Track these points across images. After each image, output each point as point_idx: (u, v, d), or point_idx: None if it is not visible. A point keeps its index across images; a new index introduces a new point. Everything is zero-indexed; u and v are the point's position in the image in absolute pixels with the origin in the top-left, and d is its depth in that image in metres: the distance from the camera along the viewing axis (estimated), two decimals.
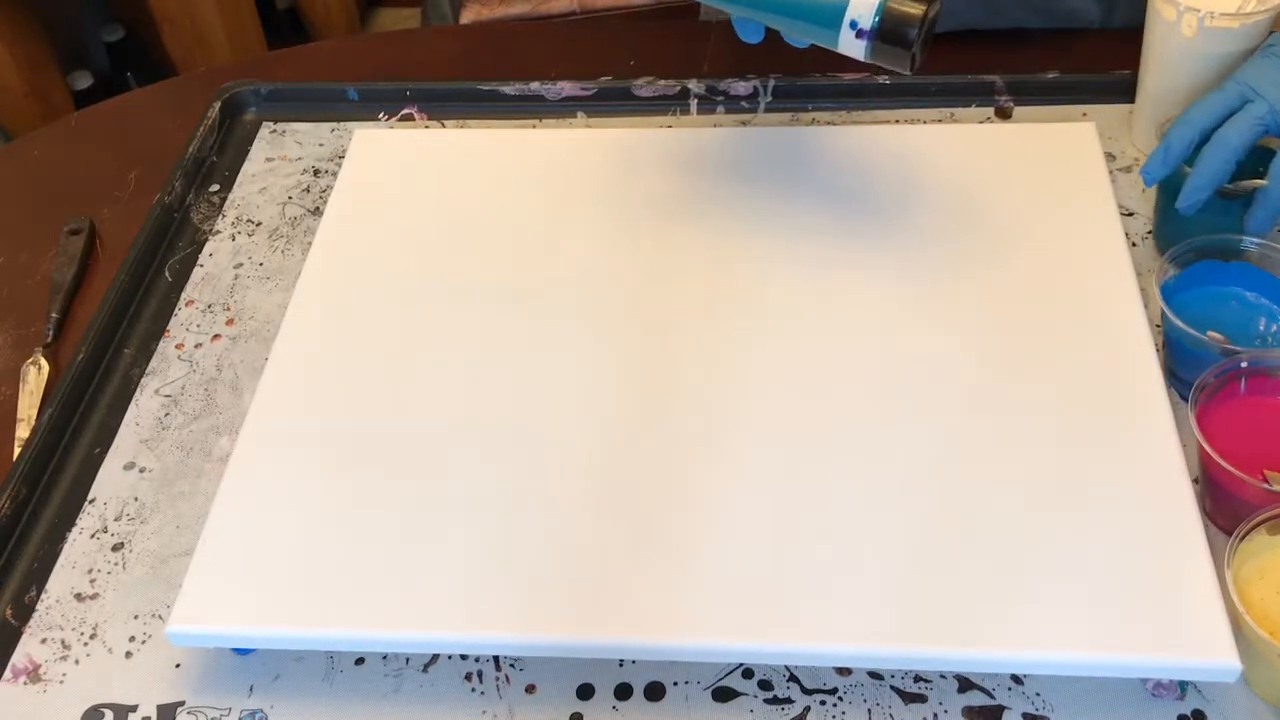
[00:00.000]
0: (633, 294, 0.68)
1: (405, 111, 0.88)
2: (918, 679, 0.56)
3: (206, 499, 0.64)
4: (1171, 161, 0.66)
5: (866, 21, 0.58)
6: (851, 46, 0.60)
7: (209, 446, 0.68)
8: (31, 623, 0.61)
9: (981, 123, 0.82)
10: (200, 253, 0.80)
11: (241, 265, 0.78)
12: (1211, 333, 0.61)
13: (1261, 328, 0.64)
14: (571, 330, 0.67)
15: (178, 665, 0.59)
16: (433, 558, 0.57)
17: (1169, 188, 0.68)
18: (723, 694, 0.56)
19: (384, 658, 0.58)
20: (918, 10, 0.58)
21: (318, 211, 0.81)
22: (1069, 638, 0.52)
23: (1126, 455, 0.58)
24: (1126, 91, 0.80)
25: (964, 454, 0.59)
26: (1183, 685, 0.54)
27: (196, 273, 0.78)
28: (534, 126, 0.85)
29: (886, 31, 0.58)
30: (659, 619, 0.54)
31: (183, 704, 0.57)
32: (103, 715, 0.57)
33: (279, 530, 0.59)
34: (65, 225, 0.82)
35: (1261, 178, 0.67)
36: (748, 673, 0.56)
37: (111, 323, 0.74)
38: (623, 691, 0.56)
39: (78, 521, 0.65)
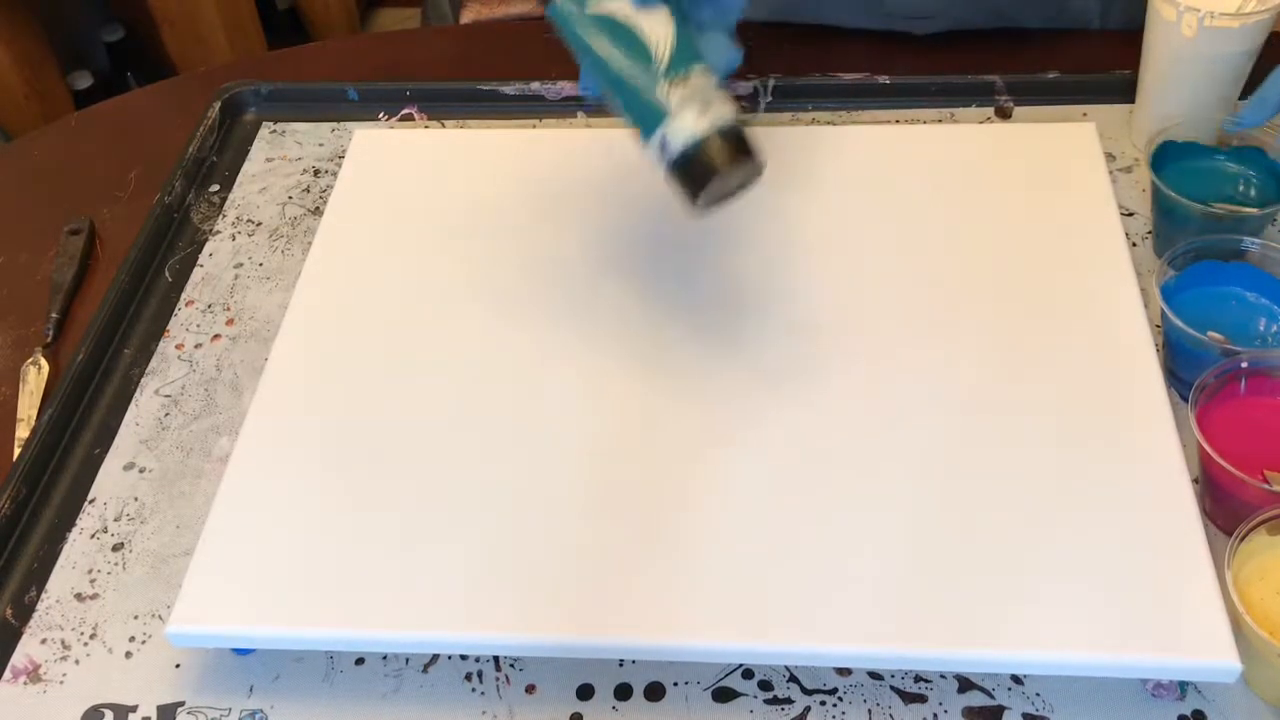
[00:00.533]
0: (633, 292, 0.68)
1: (405, 111, 0.88)
2: (918, 679, 0.56)
3: (206, 499, 0.64)
4: (1268, 109, 0.67)
5: (674, 145, 0.57)
6: (654, 156, 0.59)
7: (209, 446, 0.68)
8: (31, 623, 0.61)
9: (981, 123, 0.82)
10: (200, 253, 0.80)
11: (241, 265, 0.78)
12: (1211, 333, 0.61)
13: (1261, 328, 0.64)
14: (572, 330, 0.67)
15: (178, 665, 0.59)
16: (433, 558, 0.57)
17: (1166, 192, 0.68)
18: (723, 694, 0.56)
19: (384, 658, 0.58)
20: (721, 162, 0.57)
21: (318, 211, 0.81)
22: (1069, 638, 0.52)
23: (1126, 455, 0.58)
24: (1126, 91, 0.80)
25: (964, 454, 0.59)
26: (1183, 685, 0.54)
27: (196, 273, 0.78)
28: (534, 126, 0.85)
29: (684, 165, 0.57)
30: (659, 619, 0.54)
31: (183, 704, 0.57)
32: (103, 715, 0.57)
33: (279, 530, 0.59)
34: (65, 225, 0.82)
35: (1249, 202, 0.68)
36: (748, 673, 0.56)
37: (111, 323, 0.74)
38: (623, 691, 0.56)
39: (78, 521, 0.65)
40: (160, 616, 0.61)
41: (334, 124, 0.88)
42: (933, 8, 0.87)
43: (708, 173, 0.57)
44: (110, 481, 0.67)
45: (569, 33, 0.60)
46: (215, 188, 0.85)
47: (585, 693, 0.56)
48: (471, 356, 0.66)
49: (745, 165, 0.58)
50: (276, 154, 0.86)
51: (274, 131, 0.88)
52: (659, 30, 0.59)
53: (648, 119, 0.58)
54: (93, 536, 0.64)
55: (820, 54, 0.88)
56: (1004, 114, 0.83)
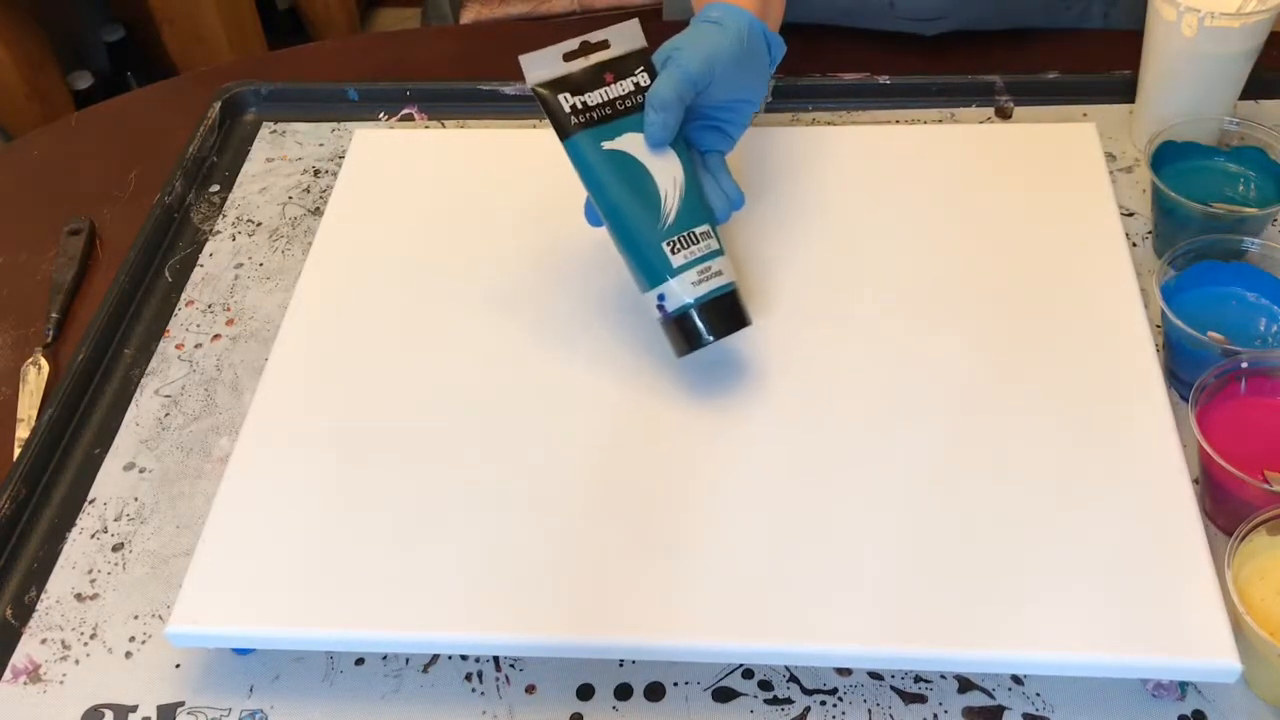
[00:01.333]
0: (633, 292, 0.68)
1: (405, 111, 0.88)
2: (918, 679, 0.56)
3: (206, 499, 0.64)
4: None
5: (670, 304, 0.60)
6: (650, 308, 0.61)
7: (209, 446, 0.68)
8: (31, 623, 0.61)
9: (981, 123, 0.82)
10: (200, 253, 0.80)
11: (241, 265, 0.78)
12: (1212, 333, 0.61)
13: (1261, 328, 0.64)
14: (572, 329, 0.67)
15: (178, 665, 0.59)
16: (433, 558, 0.57)
17: (1166, 192, 0.68)
18: (723, 694, 0.56)
19: (384, 658, 0.58)
20: (709, 332, 0.60)
21: (318, 211, 0.81)
22: (1069, 638, 0.52)
23: (1126, 455, 0.58)
24: (1126, 91, 0.80)
25: (964, 454, 0.59)
26: (1183, 685, 0.54)
27: (196, 273, 0.78)
28: (534, 126, 0.85)
29: (676, 326, 0.61)
30: (659, 619, 0.54)
31: (183, 704, 0.57)
32: (103, 715, 0.57)
33: (279, 530, 0.59)
34: (65, 225, 0.82)
35: (1249, 202, 0.68)
36: (748, 673, 0.56)
37: (111, 323, 0.74)
38: (623, 691, 0.56)
39: (78, 521, 0.65)
40: (160, 616, 0.61)
41: (334, 124, 0.88)
42: (942, 9, 0.87)
43: (697, 340, 0.60)
44: (110, 481, 0.67)
45: (582, 167, 0.62)
46: (215, 188, 0.85)
47: (585, 693, 0.56)
48: (471, 357, 0.66)
49: (733, 332, 0.61)
50: (276, 154, 0.86)
51: (274, 131, 0.88)
52: (668, 176, 0.61)
53: (648, 273, 0.61)
54: (93, 536, 0.64)
55: (821, 54, 0.88)
56: (1004, 114, 0.83)
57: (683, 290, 0.60)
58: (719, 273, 0.60)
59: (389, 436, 0.62)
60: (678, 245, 0.60)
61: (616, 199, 0.61)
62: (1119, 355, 0.62)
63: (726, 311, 0.61)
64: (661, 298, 0.60)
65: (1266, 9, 0.69)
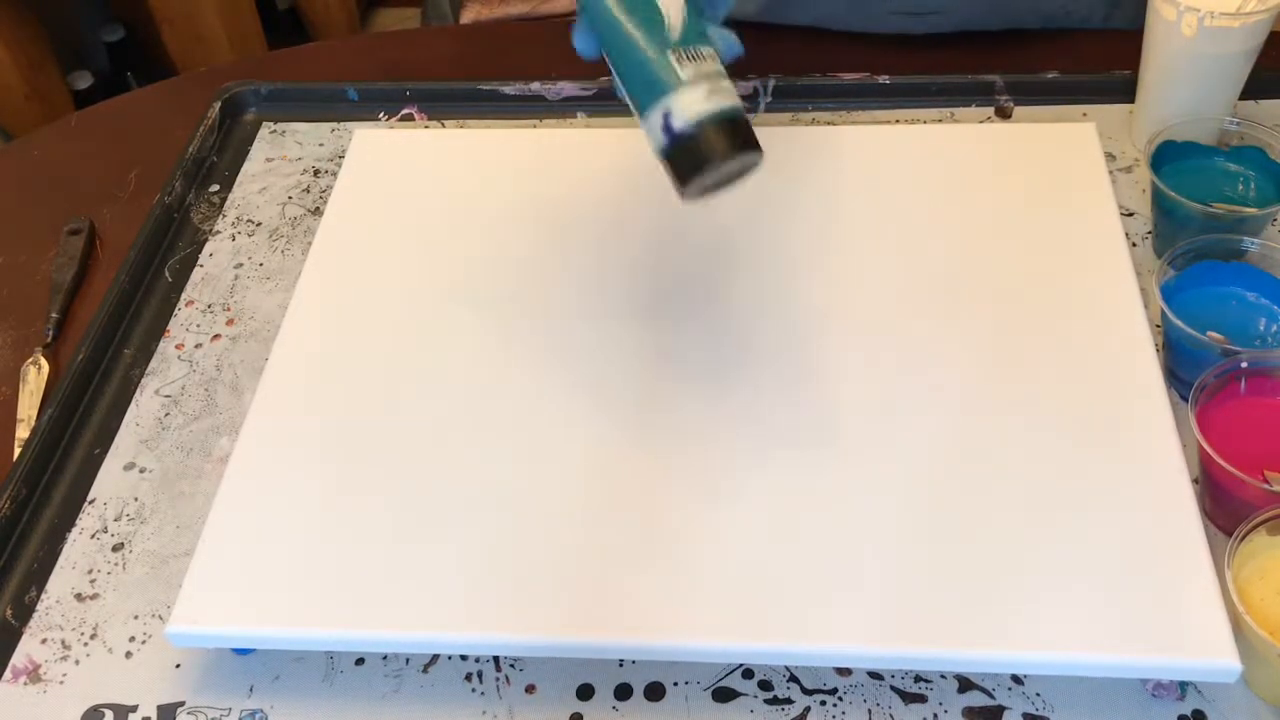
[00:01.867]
0: (634, 293, 0.68)
1: (405, 111, 0.88)
2: (918, 679, 0.56)
3: (206, 499, 0.64)
4: None
5: (676, 123, 0.54)
6: (653, 131, 0.56)
7: (209, 446, 0.68)
8: (31, 623, 0.61)
9: (981, 123, 0.82)
10: (200, 253, 0.80)
11: (241, 265, 0.78)
12: (1211, 333, 0.61)
13: (1261, 328, 0.64)
14: (572, 329, 0.67)
15: (178, 665, 0.59)
16: (432, 558, 0.57)
17: (1166, 192, 0.68)
18: (723, 694, 0.56)
19: (384, 658, 0.58)
20: (722, 149, 0.54)
21: (318, 211, 0.81)
22: (1069, 638, 0.52)
23: (1126, 455, 0.58)
24: (1126, 91, 0.80)
25: (964, 454, 0.59)
26: (1183, 685, 0.54)
27: (196, 273, 0.78)
28: (534, 126, 0.85)
29: (684, 146, 0.55)
30: (659, 619, 0.54)
31: (183, 704, 0.57)
32: (103, 715, 0.57)
33: (279, 530, 0.59)
34: (65, 225, 0.82)
35: (1249, 202, 0.68)
36: (748, 673, 0.56)
37: (111, 323, 0.74)
38: (623, 691, 0.56)
39: (78, 522, 0.65)
40: (160, 616, 0.61)
41: (334, 124, 0.88)
42: (940, 3, 0.86)
43: (707, 159, 0.54)
44: (110, 481, 0.67)
45: None
46: (215, 188, 0.85)
47: (585, 693, 0.56)
48: (471, 356, 0.66)
49: (745, 157, 0.55)
50: (276, 154, 0.86)
51: (274, 131, 0.88)
52: (672, 1, 0.56)
53: (652, 88, 0.55)
54: (93, 536, 0.64)
55: (820, 54, 0.88)
56: (1004, 114, 0.83)
57: (691, 103, 0.54)
58: (729, 95, 0.55)
59: (389, 436, 0.62)
60: (684, 58, 0.55)
61: (618, 12, 0.56)
62: (1119, 355, 0.62)
63: (738, 131, 0.55)
64: (666, 115, 0.54)
65: (1266, 9, 0.69)
